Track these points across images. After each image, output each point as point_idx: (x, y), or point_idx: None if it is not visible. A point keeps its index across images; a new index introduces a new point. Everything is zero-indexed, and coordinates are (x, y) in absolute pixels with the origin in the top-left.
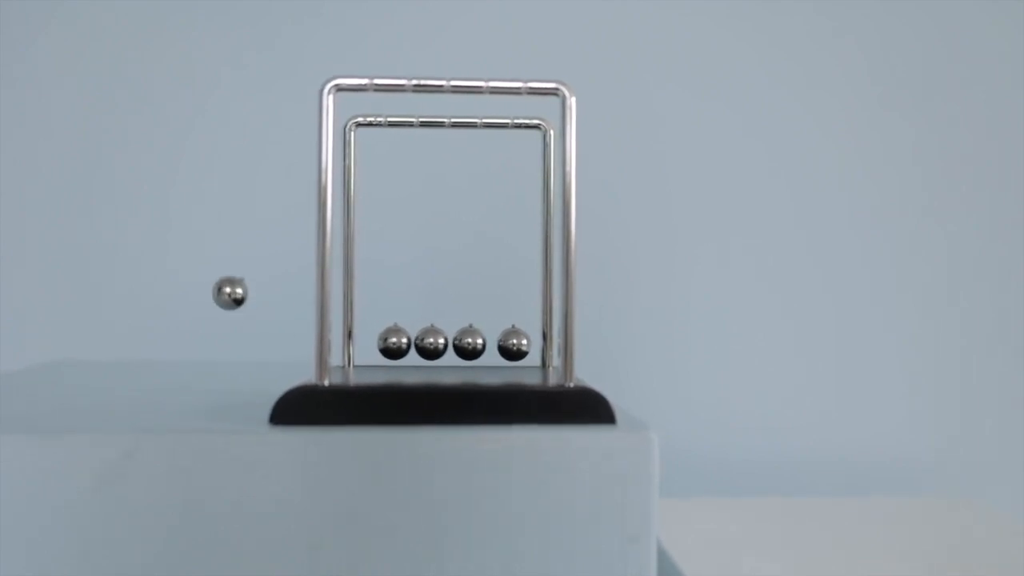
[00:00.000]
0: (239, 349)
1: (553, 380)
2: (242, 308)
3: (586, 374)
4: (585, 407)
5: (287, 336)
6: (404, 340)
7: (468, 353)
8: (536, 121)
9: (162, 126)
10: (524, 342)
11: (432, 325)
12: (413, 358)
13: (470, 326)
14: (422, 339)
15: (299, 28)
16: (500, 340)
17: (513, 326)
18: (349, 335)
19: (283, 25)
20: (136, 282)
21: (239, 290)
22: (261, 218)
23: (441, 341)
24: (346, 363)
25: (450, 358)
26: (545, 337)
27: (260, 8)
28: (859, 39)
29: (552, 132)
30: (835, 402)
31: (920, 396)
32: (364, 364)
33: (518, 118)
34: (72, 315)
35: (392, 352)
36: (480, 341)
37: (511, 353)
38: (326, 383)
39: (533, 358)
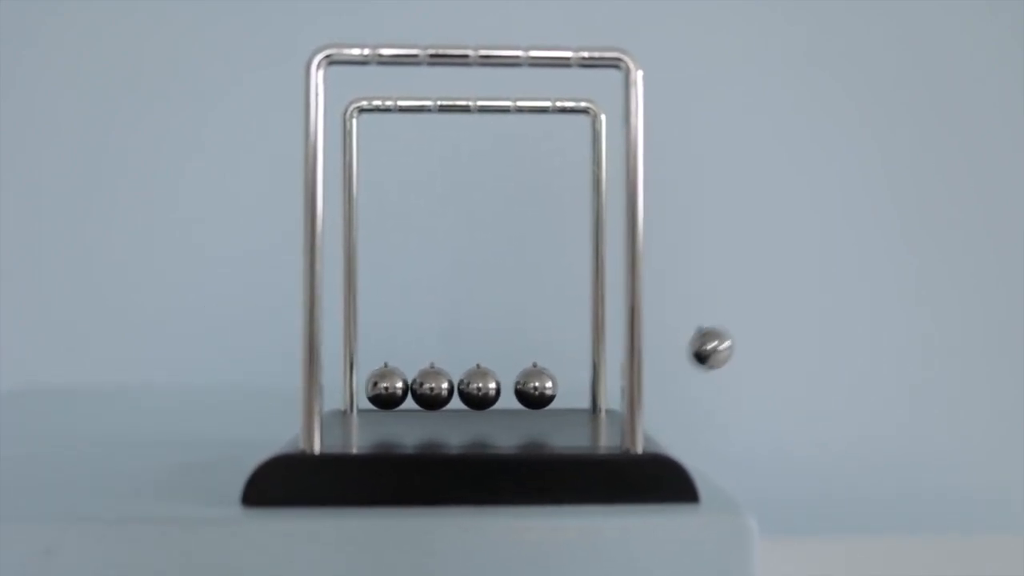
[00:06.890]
0: (237, 370)
1: (609, 439)
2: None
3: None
4: (659, 481)
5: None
6: (399, 385)
7: (477, 401)
8: (584, 104)
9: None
10: (548, 385)
11: (432, 365)
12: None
13: (477, 367)
14: (421, 383)
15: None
16: (518, 383)
17: (534, 365)
18: (351, 367)
19: None
20: (116, 295)
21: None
22: (265, 219)
23: (444, 386)
24: (347, 407)
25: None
26: (595, 369)
27: None
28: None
29: (603, 117)
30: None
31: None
32: (370, 409)
33: (561, 100)
34: (47, 332)
35: (383, 400)
36: (492, 386)
37: (531, 399)
38: (315, 450)
39: (575, 399)
